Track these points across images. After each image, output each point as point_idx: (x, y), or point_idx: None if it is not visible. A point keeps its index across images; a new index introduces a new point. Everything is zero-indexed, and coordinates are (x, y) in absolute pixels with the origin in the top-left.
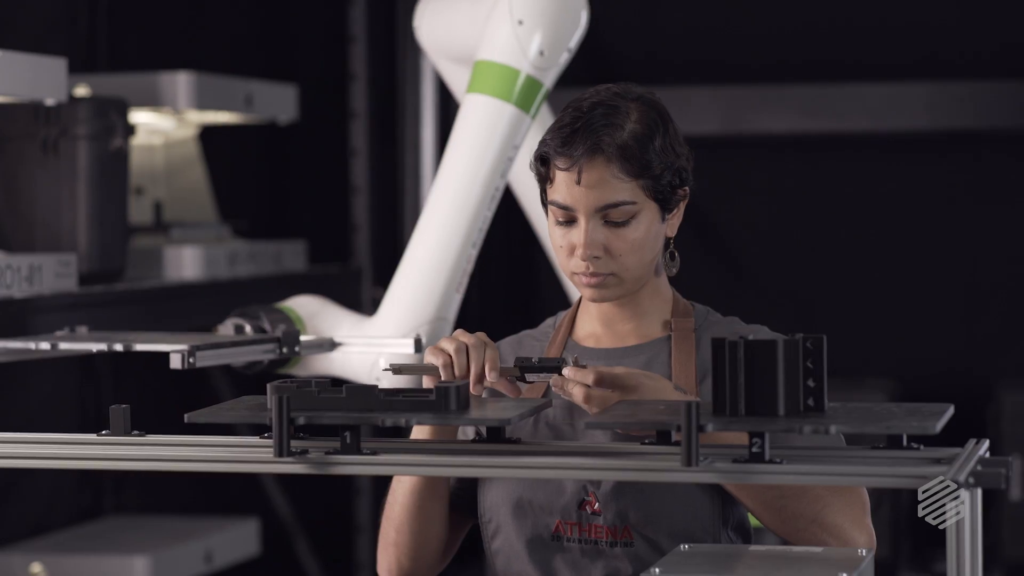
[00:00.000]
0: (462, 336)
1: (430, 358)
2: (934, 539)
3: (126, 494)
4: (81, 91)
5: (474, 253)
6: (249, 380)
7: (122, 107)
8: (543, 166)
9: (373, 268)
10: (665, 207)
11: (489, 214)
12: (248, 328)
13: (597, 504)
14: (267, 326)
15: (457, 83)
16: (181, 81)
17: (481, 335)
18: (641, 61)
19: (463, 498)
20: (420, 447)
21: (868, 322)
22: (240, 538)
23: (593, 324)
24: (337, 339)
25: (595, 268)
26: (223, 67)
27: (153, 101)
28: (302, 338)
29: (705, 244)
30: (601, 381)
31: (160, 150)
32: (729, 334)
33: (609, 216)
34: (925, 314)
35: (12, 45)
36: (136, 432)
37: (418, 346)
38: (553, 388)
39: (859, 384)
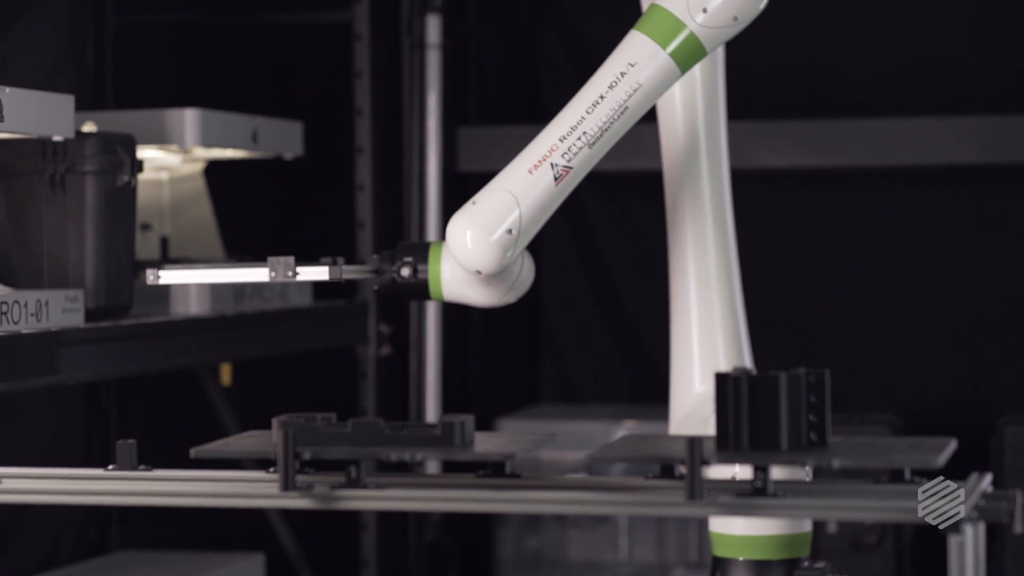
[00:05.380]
0: None
1: None
2: (937, 573)
3: (133, 529)
4: (88, 127)
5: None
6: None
7: (129, 143)
8: None
9: (378, 302)
10: None
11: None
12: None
13: None
14: (394, 260)
15: None
16: (188, 118)
17: None
18: None
19: None
20: (424, 481)
21: (870, 356)
22: (246, 573)
23: None
24: (300, 269)
25: None
26: (229, 104)
27: (160, 138)
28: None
29: None
30: None
31: (166, 186)
32: None
33: None
34: (927, 348)
35: (20, 82)
36: (143, 467)
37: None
38: None
39: (861, 418)
